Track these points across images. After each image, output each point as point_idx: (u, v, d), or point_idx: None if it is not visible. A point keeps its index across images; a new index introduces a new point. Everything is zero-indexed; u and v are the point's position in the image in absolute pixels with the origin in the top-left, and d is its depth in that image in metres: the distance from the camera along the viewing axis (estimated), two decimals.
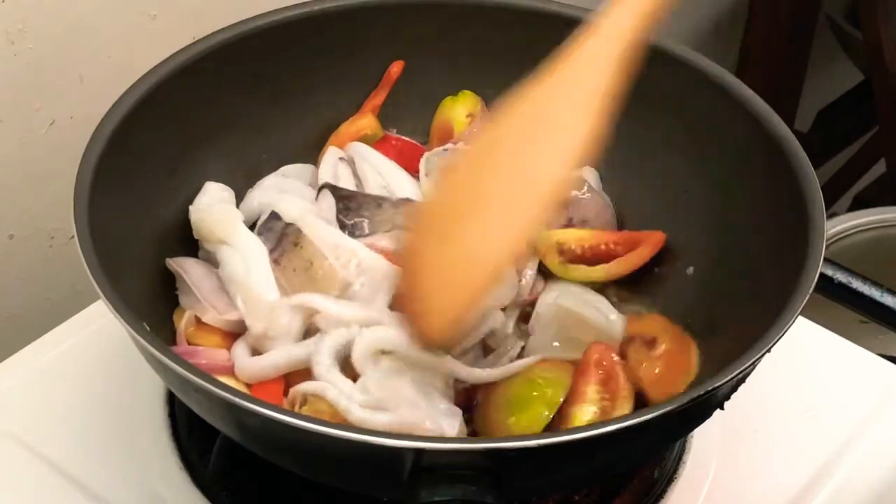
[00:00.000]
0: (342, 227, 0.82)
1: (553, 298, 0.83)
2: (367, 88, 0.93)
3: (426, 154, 0.90)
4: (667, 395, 0.72)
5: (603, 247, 0.86)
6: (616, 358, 0.77)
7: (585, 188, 0.89)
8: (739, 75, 0.91)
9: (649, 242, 0.85)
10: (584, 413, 0.74)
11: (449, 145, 0.91)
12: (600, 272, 0.84)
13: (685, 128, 0.88)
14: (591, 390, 0.76)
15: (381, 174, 0.88)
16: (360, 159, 0.89)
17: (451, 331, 0.73)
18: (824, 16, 1.86)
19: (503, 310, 0.82)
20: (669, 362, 0.78)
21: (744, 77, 1.04)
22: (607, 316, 0.82)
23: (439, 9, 0.91)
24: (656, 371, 0.78)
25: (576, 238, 0.85)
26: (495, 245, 0.70)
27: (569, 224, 0.87)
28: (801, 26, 1.85)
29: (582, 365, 0.77)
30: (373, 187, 0.87)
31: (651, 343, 0.80)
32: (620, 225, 0.90)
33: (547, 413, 0.75)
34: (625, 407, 0.75)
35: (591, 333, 0.81)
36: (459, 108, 0.92)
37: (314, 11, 0.89)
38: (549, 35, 0.90)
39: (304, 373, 0.75)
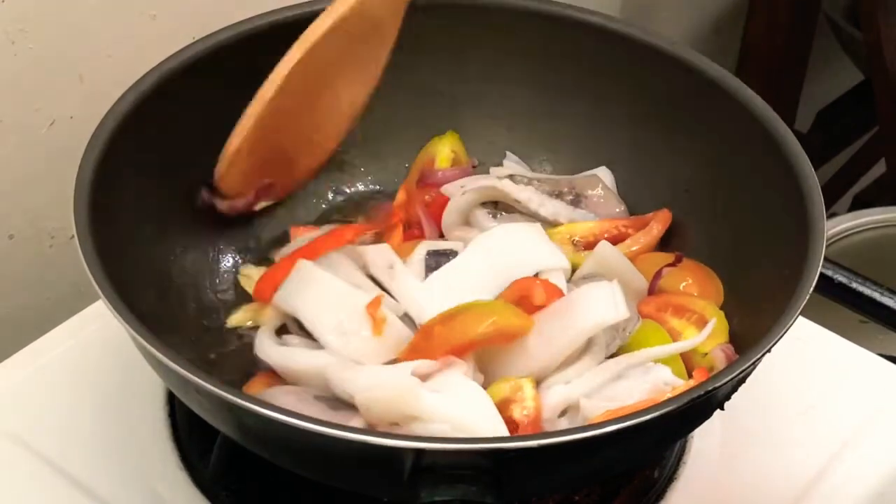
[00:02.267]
0: None
1: None
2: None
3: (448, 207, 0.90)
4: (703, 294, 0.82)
5: (614, 230, 0.89)
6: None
7: (600, 187, 0.90)
8: (739, 75, 0.91)
9: (657, 219, 0.88)
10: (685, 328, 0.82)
11: (465, 181, 0.91)
12: None
13: (685, 128, 0.88)
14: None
15: None
16: None
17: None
18: (824, 16, 1.86)
19: None
20: (697, 272, 0.84)
21: (744, 77, 1.04)
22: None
23: (441, 9, 0.91)
24: (690, 281, 0.84)
25: (584, 229, 0.88)
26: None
27: None
28: (800, 26, 1.85)
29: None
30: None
31: (677, 260, 0.85)
32: None
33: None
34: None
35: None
36: (445, 145, 0.94)
37: (314, 11, 0.89)
38: (560, 36, 0.91)
39: None
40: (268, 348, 0.80)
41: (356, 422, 0.72)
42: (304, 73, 0.81)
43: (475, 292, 0.80)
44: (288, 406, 0.69)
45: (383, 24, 0.85)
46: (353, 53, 0.84)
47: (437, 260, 0.84)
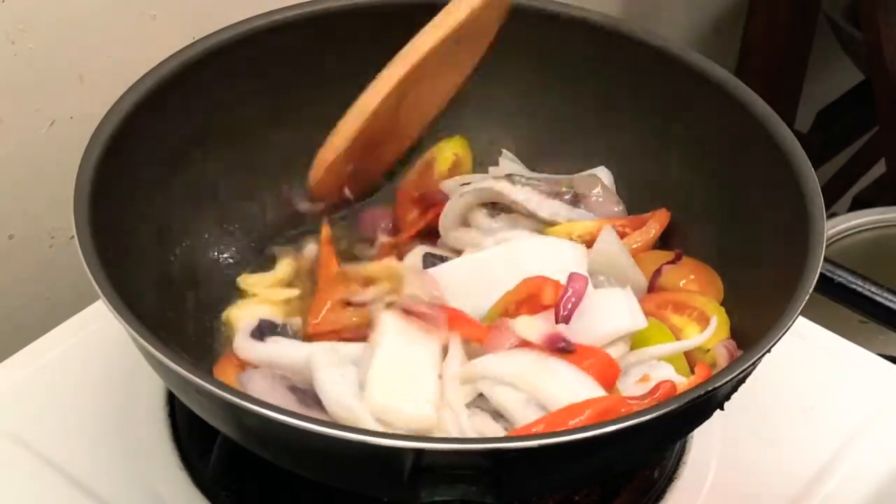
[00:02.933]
0: None
1: None
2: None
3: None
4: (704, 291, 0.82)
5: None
6: None
7: (598, 187, 0.90)
8: (739, 75, 0.91)
9: (656, 219, 0.88)
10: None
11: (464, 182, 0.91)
12: None
13: (685, 128, 0.88)
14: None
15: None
16: None
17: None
18: (824, 16, 1.86)
19: None
20: (697, 270, 0.84)
21: (744, 77, 1.04)
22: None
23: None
24: (691, 277, 0.84)
25: (582, 228, 0.88)
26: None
27: None
28: (801, 26, 1.85)
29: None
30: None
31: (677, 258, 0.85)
32: None
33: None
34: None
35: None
36: (448, 148, 0.94)
37: (314, 11, 0.89)
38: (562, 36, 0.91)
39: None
40: (250, 347, 0.80)
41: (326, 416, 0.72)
42: (408, 80, 0.82)
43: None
44: (260, 394, 0.71)
45: (488, 26, 0.86)
46: (454, 54, 0.85)
47: (433, 262, 0.84)
